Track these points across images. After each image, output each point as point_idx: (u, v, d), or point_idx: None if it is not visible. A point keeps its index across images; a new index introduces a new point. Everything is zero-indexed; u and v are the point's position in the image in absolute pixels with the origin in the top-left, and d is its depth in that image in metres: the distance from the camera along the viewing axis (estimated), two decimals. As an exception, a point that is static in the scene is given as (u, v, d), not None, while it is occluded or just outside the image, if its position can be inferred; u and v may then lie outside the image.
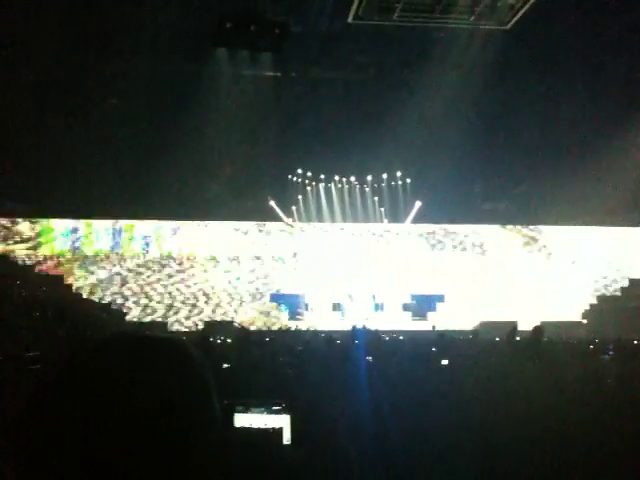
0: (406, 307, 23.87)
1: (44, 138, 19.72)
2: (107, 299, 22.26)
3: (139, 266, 23.38)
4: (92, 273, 22.88)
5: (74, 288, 21.90)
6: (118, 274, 23.08)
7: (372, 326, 21.87)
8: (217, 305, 22.92)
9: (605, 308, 21.98)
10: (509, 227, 25.10)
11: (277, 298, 23.58)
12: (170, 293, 23.01)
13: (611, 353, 9.45)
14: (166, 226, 23.92)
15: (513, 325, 7.32)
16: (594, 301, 23.50)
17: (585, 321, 22.13)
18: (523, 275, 24.28)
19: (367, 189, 25.55)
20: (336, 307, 23.68)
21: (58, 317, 11.76)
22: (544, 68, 20.08)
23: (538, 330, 7.09)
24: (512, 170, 22.62)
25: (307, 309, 23.57)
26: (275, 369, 6.11)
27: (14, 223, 22.84)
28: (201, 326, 20.65)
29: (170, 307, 22.61)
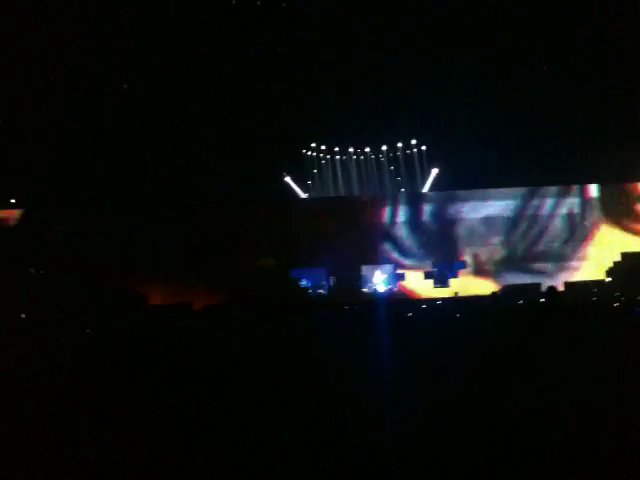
0: (427, 275, 23.80)
1: (55, 128, 19.78)
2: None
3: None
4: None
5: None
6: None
7: (394, 295, 21.99)
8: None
9: (630, 265, 21.72)
10: (529, 188, 24.72)
11: (298, 273, 23.58)
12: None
13: (638, 309, 9.36)
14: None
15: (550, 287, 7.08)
16: (618, 258, 23.22)
17: (609, 279, 21.91)
18: (545, 235, 24.06)
19: (382, 159, 25.36)
20: (358, 279, 23.68)
21: (80, 302, 11.95)
22: (560, 27, 19.70)
23: (552, 290, 6.95)
24: (529, 132, 22.29)
25: (329, 282, 23.59)
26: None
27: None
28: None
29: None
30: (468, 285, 23.06)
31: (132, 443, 2.47)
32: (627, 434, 2.54)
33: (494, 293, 16.14)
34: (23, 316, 10.95)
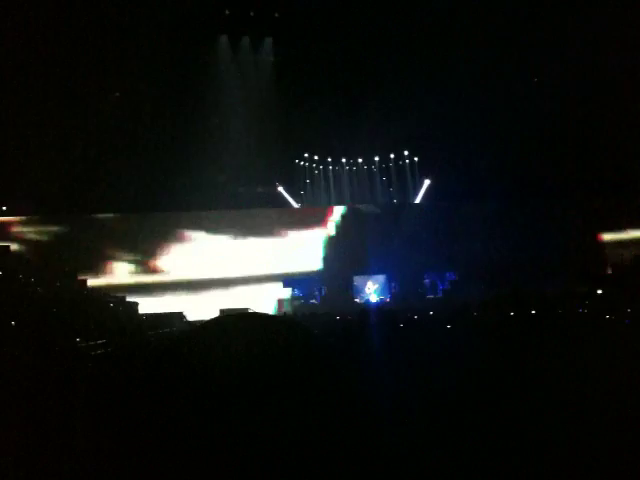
0: (418, 285, 23.86)
1: (50, 136, 19.74)
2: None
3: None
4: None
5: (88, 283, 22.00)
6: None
7: (386, 305, 22.00)
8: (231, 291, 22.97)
9: (619, 276, 21.81)
10: (518, 200, 24.83)
11: (290, 282, 23.58)
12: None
13: (628, 322, 9.40)
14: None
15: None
16: (608, 271, 23.34)
17: (600, 291, 21.96)
18: (531, 246, 24.17)
19: (375, 169, 25.48)
20: (349, 288, 23.70)
21: (72, 311, 11.87)
22: (552, 38, 19.95)
23: (516, 292, 7.02)
24: (520, 145, 22.46)
25: (322, 292, 23.59)
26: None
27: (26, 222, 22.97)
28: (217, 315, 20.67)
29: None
30: (459, 294, 23.13)
31: (130, 447, 2.49)
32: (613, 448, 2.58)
33: (485, 303, 16.15)
34: (12, 324, 10.88)
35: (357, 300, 23.30)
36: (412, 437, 2.28)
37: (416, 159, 24.99)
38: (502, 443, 2.42)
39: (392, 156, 25.21)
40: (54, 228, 23.13)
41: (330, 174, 25.41)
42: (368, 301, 23.14)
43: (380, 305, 22.04)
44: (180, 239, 23.74)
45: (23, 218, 22.85)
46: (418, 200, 25.37)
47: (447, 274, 23.99)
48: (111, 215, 23.43)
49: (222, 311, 20.56)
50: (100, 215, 23.36)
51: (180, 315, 20.06)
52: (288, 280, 23.54)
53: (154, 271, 23.51)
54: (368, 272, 23.75)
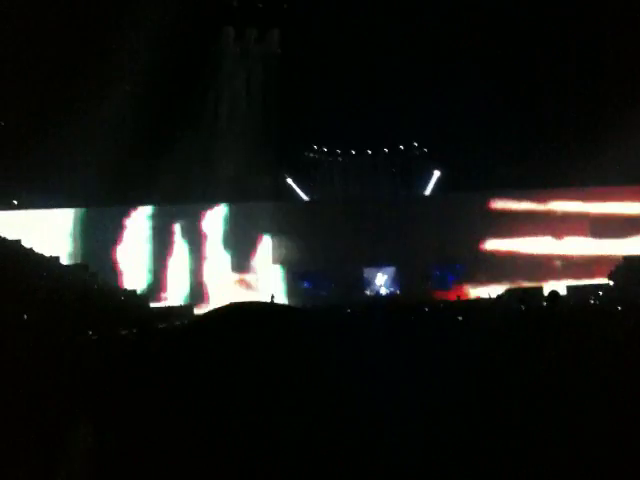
0: (427, 277, 23.74)
1: (53, 129, 19.77)
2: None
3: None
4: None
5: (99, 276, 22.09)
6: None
7: (393, 297, 22.00)
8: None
9: (632, 268, 21.64)
10: (529, 191, 24.60)
11: (300, 276, 23.55)
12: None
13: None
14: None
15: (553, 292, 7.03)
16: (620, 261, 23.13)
17: (611, 282, 21.81)
18: (545, 239, 23.98)
19: (384, 161, 25.37)
20: (359, 280, 23.62)
21: (82, 304, 11.96)
22: (560, 29, 19.76)
23: (553, 295, 6.89)
24: (529, 135, 22.30)
25: (331, 284, 23.53)
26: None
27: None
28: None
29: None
30: (469, 288, 23.06)
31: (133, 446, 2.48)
32: (627, 441, 2.54)
33: (499, 297, 16.09)
34: (25, 317, 10.97)
35: (367, 292, 23.26)
36: (412, 437, 2.26)
37: (425, 150, 24.86)
38: (503, 443, 2.40)
39: (402, 148, 25.10)
40: (65, 222, 23.25)
41: (339, 166, 25.33)
42: (378, 293, 23.11)
43: (389, 297, 22.04)
44: (190, 234, 23.78)
45: (35, 212, 22.95)
46: (428, 192, 25.24)
47: (457, 266, 23.85)
48: (126, 207, 23.52)
49: (231, 303, 20.52)
50: (111, 208, 23.44)
51: (190, 307, 20.25)
52: (298, 274, 23.51)
53: (167, 264, 23.57)
54: (378, 264, 23.69)
